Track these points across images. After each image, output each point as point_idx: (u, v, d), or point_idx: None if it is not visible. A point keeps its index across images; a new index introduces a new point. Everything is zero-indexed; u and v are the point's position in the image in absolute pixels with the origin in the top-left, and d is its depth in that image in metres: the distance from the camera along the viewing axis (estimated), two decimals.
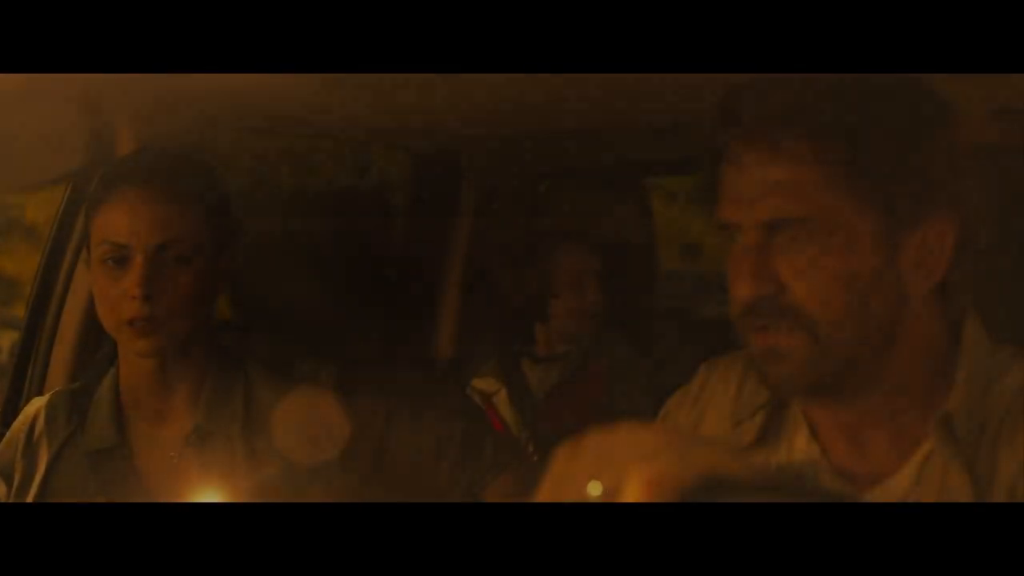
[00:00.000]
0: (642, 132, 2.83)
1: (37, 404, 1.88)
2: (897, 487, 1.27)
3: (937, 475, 1.25)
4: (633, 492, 0.84)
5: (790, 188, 1.23)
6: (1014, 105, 1.94)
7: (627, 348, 2.90)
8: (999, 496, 1.21)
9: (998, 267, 1.31)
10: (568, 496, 0.87)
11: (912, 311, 1.28)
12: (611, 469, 0.86)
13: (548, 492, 0.89)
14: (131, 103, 1.92)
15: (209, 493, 1.72)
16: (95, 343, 2.04)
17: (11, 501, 1.82)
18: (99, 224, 1.76)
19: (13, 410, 2.02)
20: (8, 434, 1.87)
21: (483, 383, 2.88)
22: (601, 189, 3.21)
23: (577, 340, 2.87)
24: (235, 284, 1.90)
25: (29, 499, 1.79)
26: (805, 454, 1.33)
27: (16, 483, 1.81)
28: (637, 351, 2.90)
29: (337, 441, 1.79)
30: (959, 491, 1.23)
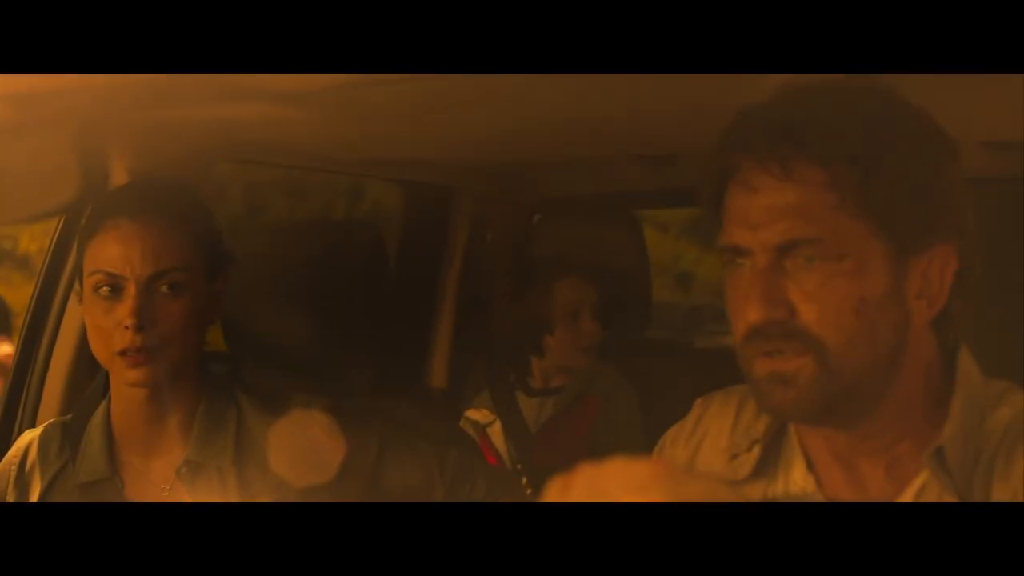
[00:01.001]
0: (635, 163, 2.84)
1: (29, 436, 1.87)
2: None
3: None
4: None
5: (803, 211, 1.23)
6: (1004, 137, 1.95)
7: (621, 380, 2.90)
8: None
9: (986, 300, 1.31)
10: None
11: (914, 339, 1.28)
12: (603, 502, 0.86)
13: None
14: (124, 136, 1.92)
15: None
16: (88, 375, 2.04)
17: None
18: (91, 254, 1.76)
19: (5, 442, 2.01)
20: (0, 465, 1.86)
21: (477, 414, 2.88)
22: (593, 220, 3.22)
23: (572, 373, 2.87)
24: (227, 314, 1.89)
25: None
26: (801, 487, 1.32)
27: None
28: (631, 383, 2.90)
29: (331, 465, 1.79)
30: None
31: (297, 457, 1.79)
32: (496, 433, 2.84)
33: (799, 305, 1.24)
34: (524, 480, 2.76)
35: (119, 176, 1.95)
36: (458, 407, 2.97)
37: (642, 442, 2.75)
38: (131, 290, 1.72)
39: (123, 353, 1.73)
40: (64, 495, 1.80)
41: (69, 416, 1.89)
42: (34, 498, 1.81)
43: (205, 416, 1.80)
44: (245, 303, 1.89)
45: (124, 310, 1.72)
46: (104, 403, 1.84)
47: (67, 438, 1.84)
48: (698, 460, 1.45)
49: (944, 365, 1.31)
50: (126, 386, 1.77)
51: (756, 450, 1.37)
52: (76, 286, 1.82)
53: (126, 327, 1.72)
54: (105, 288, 1.74)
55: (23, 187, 1.96)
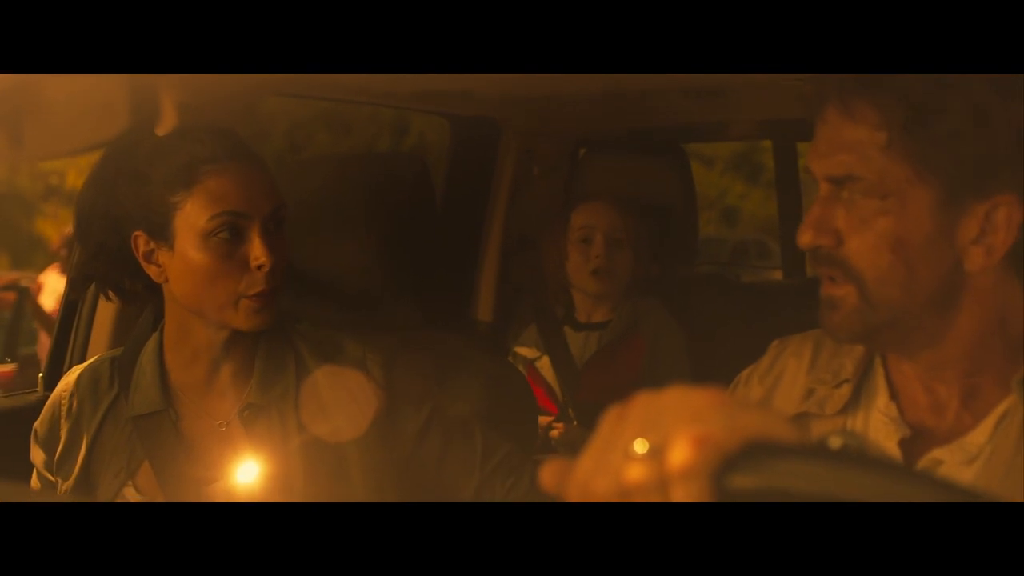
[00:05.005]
0: (682, 97, 2.82)
1: (78, 371, 1.88)
2: (972, 443, 1.31)
3: (1014, 431, 1.28)
4: (678, 451, 0.84)
5: (855, 148, 1.29)
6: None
7: (667, 317, 2.90)
8: None
9: None
10: (614, 456, 0.87)
11: (975, 283, 1.31)
12: (658, 429, 0.86)
13: (595, 452, 0.89)
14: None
15: (255, 457, 1.72)
16: (136, 311, 2.04)
17: (53, 468, 1.83)
18: (206, 198, 1.69)
19: (56, 377, 2.03)
20: (49, 401, 1.87)
21: (525, 350, 2.90)
22: (639, 154, 3.21)
23: (612, 304, 2.88)
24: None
25: (75, 466, 1.80)
26: (883, 412, 1.38)
27: (60, 450, 1.82)
28: (677, 319, 2.90)
29: (361, 423, 1.78)
30: None
31: (329, 411, 1.77)
32: (545, 368, 2.86)
33: (845, 236, 1.31)
34: (571, 412, 2.78)
35: (169, 111, 1.94)
36: (505, 341, 2.98)
37: (687, 375, 2.76)
38: (255, 229, 1.69)
39: (257, 296, 1.70)
40: (117, 428, 1.80)
41: (119, 351, 1.90)
42: (86, 433, 1.81)
43: (265, 360, 1.79)
44: (291, 240, 1.88)
45: (256, 250, 1.68)
46: (156, 336, 1.83)
47: (116, 372, 1.84)
48: (774, 398, 1.49)
49: None
50: (247, 329, 1.73)
51: (845, 389, 1.42)
52: (139, 239, 1.73)
53: (259, 267, 1.68)
54: (225, 232, 1.69)
55: (71, 120, 1.96)
